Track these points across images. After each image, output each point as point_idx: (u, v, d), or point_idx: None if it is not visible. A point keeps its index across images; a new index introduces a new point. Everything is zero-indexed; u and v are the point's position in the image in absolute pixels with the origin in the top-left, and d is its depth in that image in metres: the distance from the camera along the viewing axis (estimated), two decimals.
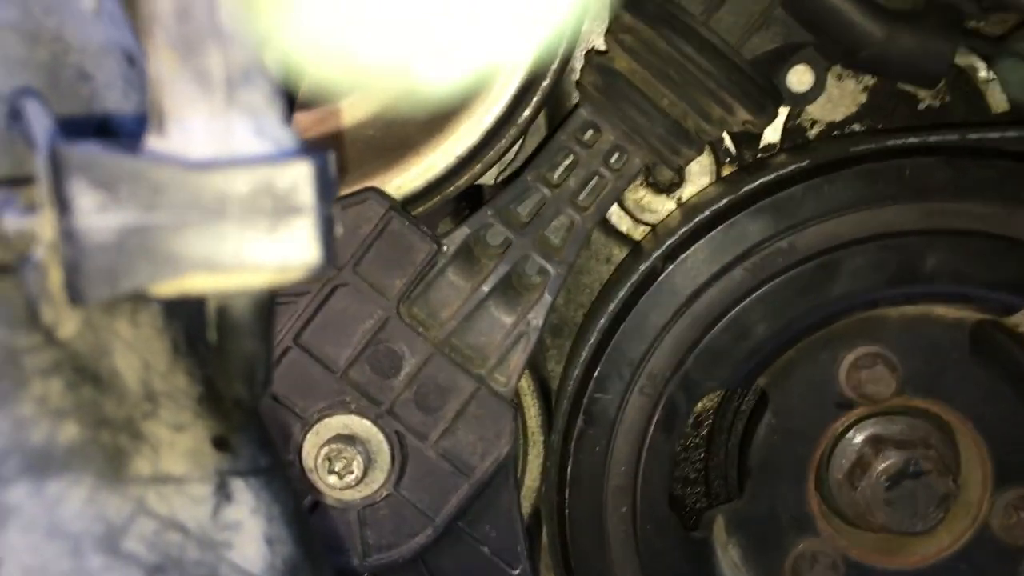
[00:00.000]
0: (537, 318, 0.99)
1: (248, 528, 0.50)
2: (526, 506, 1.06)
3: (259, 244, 0.39)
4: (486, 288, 0.99)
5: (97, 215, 0.37)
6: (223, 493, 0.50)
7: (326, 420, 0.98)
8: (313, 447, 0.98)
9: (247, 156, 0.39)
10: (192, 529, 0.48)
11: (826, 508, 1.08)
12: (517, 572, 1.02)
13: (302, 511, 0.55)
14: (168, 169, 0.38)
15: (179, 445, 0.49)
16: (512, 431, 0.99)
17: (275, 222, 0.39)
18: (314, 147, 0.42)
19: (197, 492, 0.49)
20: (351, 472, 0.97)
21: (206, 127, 0.39)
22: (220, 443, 0.51)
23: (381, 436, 0.98)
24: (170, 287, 0.39)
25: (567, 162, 0.99)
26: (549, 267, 0.99)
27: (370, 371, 0.98)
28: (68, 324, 0.43)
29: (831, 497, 1.08)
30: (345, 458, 0.97)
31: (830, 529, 1.07)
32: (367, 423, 0.98)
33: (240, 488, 0.51)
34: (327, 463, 0.97)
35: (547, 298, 0.99)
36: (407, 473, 0.99)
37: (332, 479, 0.97)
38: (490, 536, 1.02)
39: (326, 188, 0.39)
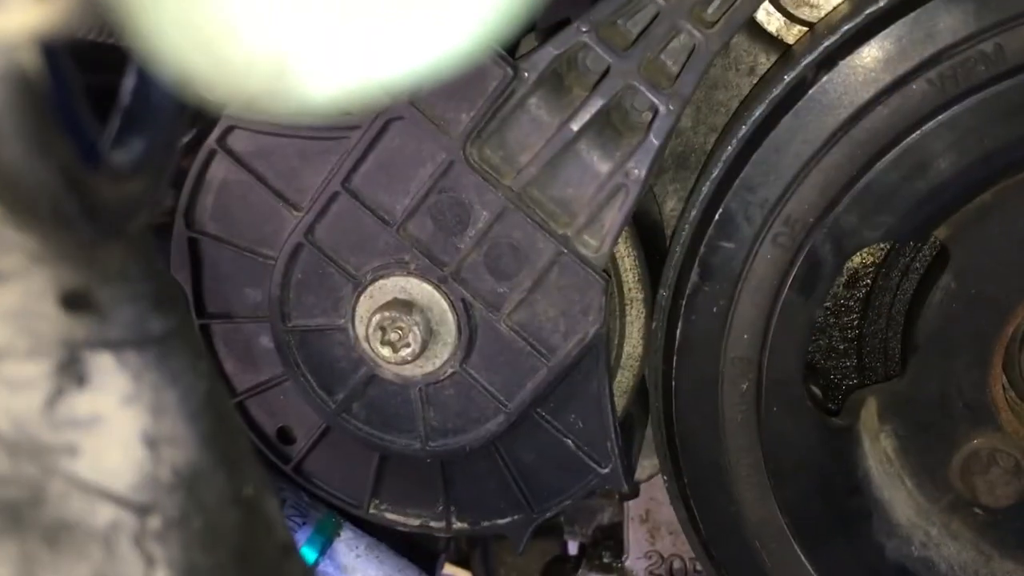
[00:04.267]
0: (640, 168, 0.77)
1: (114, 424, 0.33)
2: (628, 377, 0.87)
3: None
4: (576, 126, 0.77)
5: None
6: (70, 374, 0.33)
7: (381, 282, 0.81)
8: (367, 312, 0.81)
9: None
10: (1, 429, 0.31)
11: (1014, 397, 0.85)
12: (606, 471, 0.84)
13: (220, 397, 0.37)
14: None
15: None
16: (601, 307, 0.79)
17: None
18: None
19: (18, 373, 0.31)
20: (407, 345, 0.80)
21: None
22: (72, 301, 0.33)
23: (445, 304, 0.80)
24: None
25: None
26: (658, 102, 0.76)
27: (432, 225, 0.79)
28: None
29: (1021, 384, 0.85)
30: (400, 328, 0.80)
31: (1016, 423, 0.84)
32: (428, 288, 0.80)
33: (104, 367, 0.34)
34: (380, 332, 0.80)
35: (653, 142, 0.76)
36: (475, 349, 0.81)
37: (386, 351, 0.81)
38: (576, 427, 0.84)
39: None
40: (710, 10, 0.75)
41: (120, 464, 0.32)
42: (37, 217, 0.29)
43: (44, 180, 0.28)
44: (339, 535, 0.90)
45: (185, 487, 0.34)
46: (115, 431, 0.33)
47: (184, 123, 0.37)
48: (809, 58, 0.74)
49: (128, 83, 0.36)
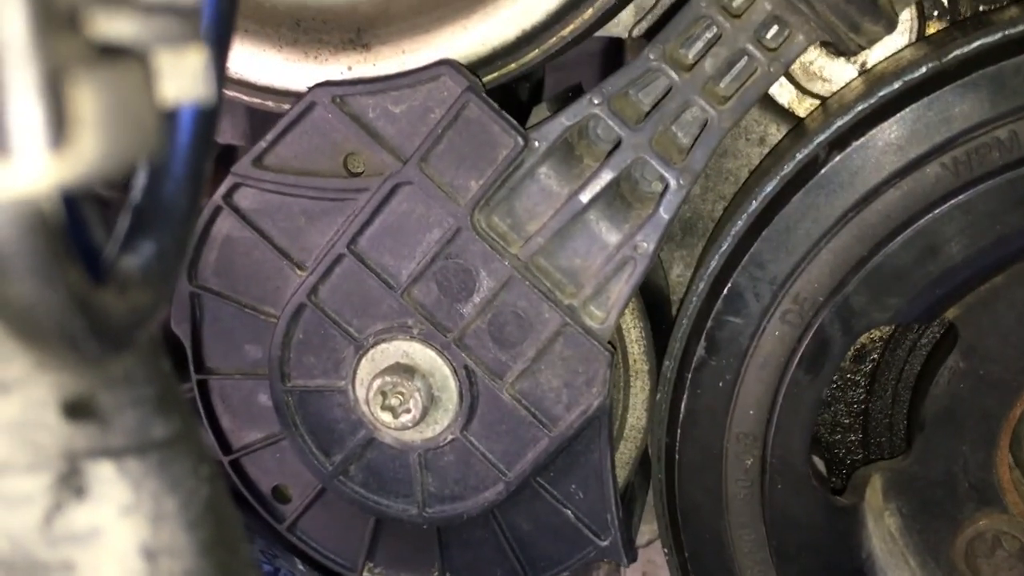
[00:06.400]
0: (648, 241, 0.76)
1: (112, 537, 0.32)
2: (631, 449, 0.86)
3: None
4: (585, 197, 0.77)
5: None
6: (70, 486, 0.32)
7: (383, 345, 0.80)
8: (368, 375, 0.80)
9: None
10: None
11: (1019, 477, 0.85)
12: (606, 543, 0.83)
13: (221, 501, 0.36)
14: None
15: None
16: (606, 379, 0.78)
17: None
18: None
19: (17, 489, 0.30)
20: (408, 410, 0.79)
21: None
22: (75, 409, 0.33)
23: (447, 370, 0.79)
24: None
25: (706, 36, 0.74)
26: (669, 176, 0.75)
27: (437, 291, 0.79)
28: None
29: None
30: (401, 393, 0.79)
31: (1022, 505, 0.83)
32: (431, 353, 0.79)
33: (104, 476, 0.33)
34: (380, 396, 0.79)
35: (663, 216, 0.76)
36: (476, 417, 0.80)
37: (386, 416, 0.80)
38: (575, 497, 0.83)
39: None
40: (723, 85, 0.75)
41: None
42: (44, 341, 0.28)
43: (53, 308, 0.27)
44: None
45: None
46: (113, 544, 0.32)
47: (195, 223, 0.36)
48: (821, 137, 0.74)
49: (140, 181, 0.35)
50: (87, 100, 0.27)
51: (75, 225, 0.32)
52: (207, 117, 0.35)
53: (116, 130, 0.28)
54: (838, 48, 0.74)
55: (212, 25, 0.34)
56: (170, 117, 0.34)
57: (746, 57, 0.74)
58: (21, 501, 0.30)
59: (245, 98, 0.82)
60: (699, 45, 0.74)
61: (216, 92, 0.34)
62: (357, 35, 0.80)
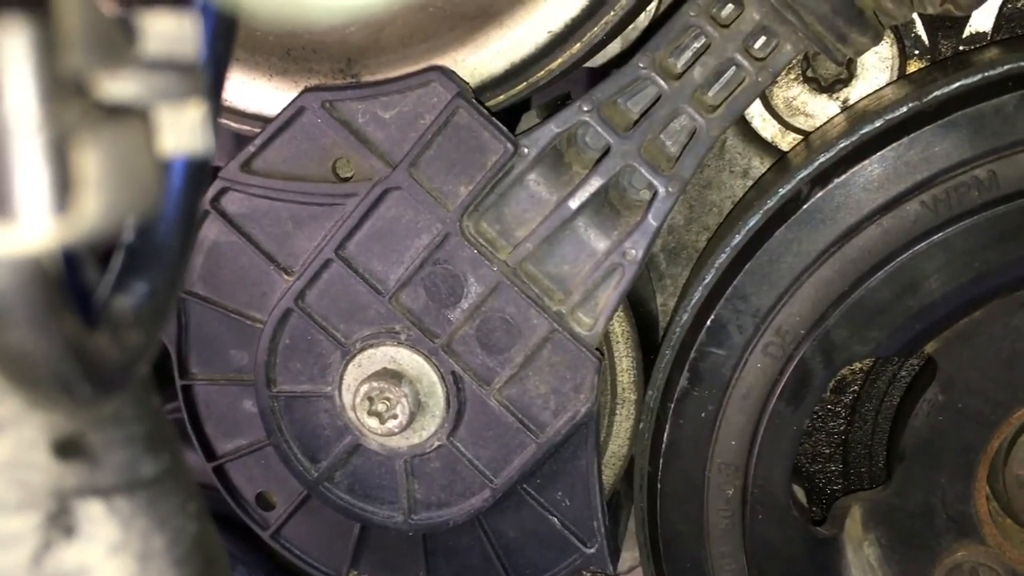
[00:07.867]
0: (636, 248, 0.77)
1: (101, 574, 0.33)
2: (610, 475, 0.87)
3: None
4: (574, 204, 0.78)
5: None
6: (59, 525, 0.32)
7: (370, 351, 0.81)
8: (354, 381, 0.81)
9: None
10: None
11: (996, 509, 0.86)
12: (592, 551, 0.84)
13: (209, 538, 0.37)
14: None
15: None
16: (593, 386, 0.79)
17: None
18: None
19: (7, 528, 0.31)
20: (394, 416, 0.80)
21: None
22: (65, 448, 0.33)
23: (435, 376, 0.80)
24: None
25: (695, 46, 0.75)
26: (658, 184, 0.76)
27: (425, 297, 0.79)
28: None
29: (1005, 497, 0.86)
30: (388, 399, 0.80)
31: (999, 536, 0.85)
32: (418, 359, 0.80)
33: (95, 515, 0.34)
34: (367, 402, 0.80)
35: (651, 223, 0.77)
36: (463, 423, 0.81)
37: (372, 422, 0.80)
38: (562, 505, 0.84)
39: None
40: (711, 93, 0.76)
41: None
42: (38, 385, 0.29)
43: (48, 355, 0.28)
44: None
45: None
46: None
47: (188, 264, 0.37)
48: (804, 172, 0.75)
49: (131, 220, 0.36)
50: (91, 162, 0.28)
51: (70, 270, 0.32)
52: (201, 164, 0.35)
53: (118, 189, 0.29)
54: (828, 56, 0.74)
55: (208, 77, 0.34)
56: (166, 165, 0.35)
57: (734, 66, 0.75)
58: (11, 540, 0.31)
59: (234, 125, 0.83)
60: (688, 54, 0.75)
61: (213, 142, 0.35)
62: (347, 65, 0.80)
